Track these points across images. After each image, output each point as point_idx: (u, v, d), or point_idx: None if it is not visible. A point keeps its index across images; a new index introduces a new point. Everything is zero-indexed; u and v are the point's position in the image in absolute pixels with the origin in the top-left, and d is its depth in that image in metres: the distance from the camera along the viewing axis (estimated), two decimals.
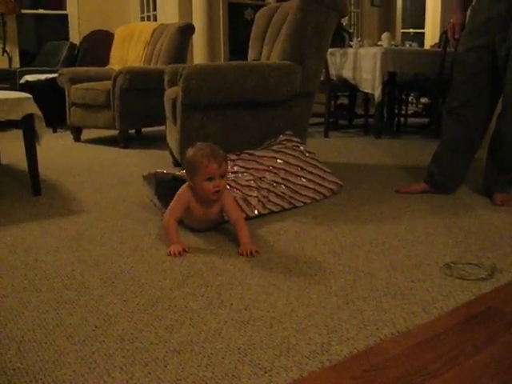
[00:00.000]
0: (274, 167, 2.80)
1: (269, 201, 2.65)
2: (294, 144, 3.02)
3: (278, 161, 2.84)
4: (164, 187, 2.60)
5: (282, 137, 3.08)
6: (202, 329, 1.49)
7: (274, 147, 2.97)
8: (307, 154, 2.98)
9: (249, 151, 2.90)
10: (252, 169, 2.75)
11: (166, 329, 1.49)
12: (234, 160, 2.79)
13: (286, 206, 2.70)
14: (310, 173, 2.90)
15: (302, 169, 2.88)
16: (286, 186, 2.76)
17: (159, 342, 1.42)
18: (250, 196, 2.53)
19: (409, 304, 1.64)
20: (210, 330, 1.48)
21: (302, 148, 3.01)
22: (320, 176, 2.93)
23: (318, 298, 1.68)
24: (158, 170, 2.57)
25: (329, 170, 2.99)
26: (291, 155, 2.91)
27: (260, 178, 2.69)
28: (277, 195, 2.69)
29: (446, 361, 1.33)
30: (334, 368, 1.30)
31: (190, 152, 2.19)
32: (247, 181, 2.60)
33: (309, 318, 1.55)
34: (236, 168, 2.74)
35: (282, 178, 2.78)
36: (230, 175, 2.61)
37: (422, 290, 1.73)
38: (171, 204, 2.22)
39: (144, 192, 2.85)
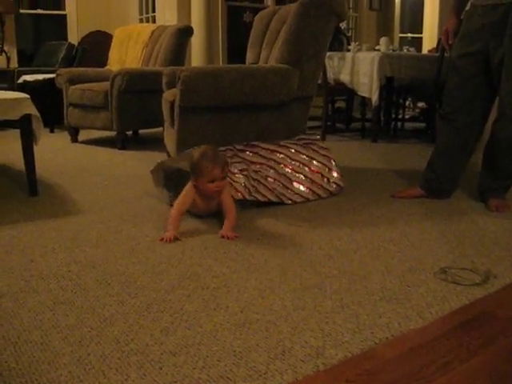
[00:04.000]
0: (273, 160, 2.87)
1: (257, 191, 2.73)
2: (307, 141, 3.07)
3: (279, 155, 2.90)
4: (171, 179, 2.70)
5: (298, 137, 3.15)
6: (197, 331, 1.49)
7: (283, 142, 3.02)
8: (319, 151, 3.01)
9: (255, 142, 2.97)
10: (250, 161, 2.82)
11: (162, 331, 1.50)
12: (239, 150, 2.89)
13: (274, 199, 2.77)
14: (312, 171, 2.93)
15: (304, 165, 2.92)
16: (279, 182, 2.82)
17: (155, 343, 1.43)
18: (237, 182, 2.66)
19: (403, 308, 1.64)
20: (205, 333, 1.49)
21: (315, 144, 3.06)
22: (322, 175, 2.96)
23: (314, 301, 1.69)
24: (164, 160, 2.78)
25: (336, 170, 3.01)
26: (297, 151, 2.96)
27: (254, 171, 2.78)
28: (266, 188, 2.77)
29: (440, 365, 1.34)
30: (329, 372, 1.31)
31: (195, 155, 2.43)
32: (240, 170, 2.72)
33: (304, 321, 1.56)
34: (236, 158, 2.81)
35: (278, 173, 2.83)
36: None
37: (416, 295, 1.74)
38: (179, 198, 2.47)
39: (146, 189, 2.86)
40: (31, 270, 1.94)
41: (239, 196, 2.64)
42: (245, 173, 2.73)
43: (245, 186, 2.69)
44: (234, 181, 2.67)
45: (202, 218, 2.58)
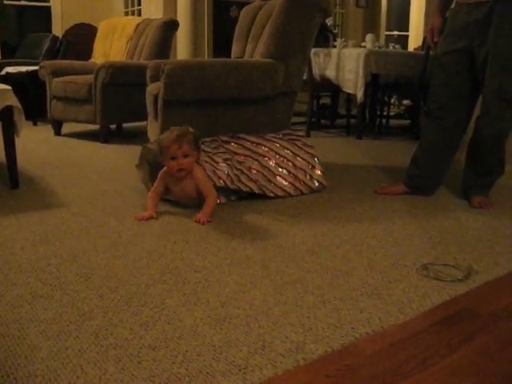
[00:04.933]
0: (257, 153, 2.89)
1: (239, 180, 2.74)
2: (293, 137, 3.08)
3: (263, 148, 2.92)
4: (156, 171, 2.67)
5: (283, 132, 3.16)
6: (177, 326, 1.48)
7: (268, 136, 3.03)
8: (303, 148, 3.02)
9: (241, 135, 2.98)
10: (234, 153, 2.84)
11: (141, 325, 1.48)
12: (224, 141, 2.91)
13: (256, 190, 2.78)
14: (295, 166, 2.93)
15: (288, 160, 2.93)
16: (262, 174, 2.83)
17: (134, 338, 1.41)
18: (220, 170, 2.67)
19: (385, 304, 1.64)
20: (185, 327, 1.47)
21: (300, 140, 3.07)
22: (305, 172, 2.96)
23: (295, 296, 1.68)
24: (146, 145, 2.85)
25: (319, 168, 3.02)
26: (282, 146, 2.97)
27: (238, 161, 2.80)
28: (249, 178, 2.78)
29: (421, 361, 1.34)
30: (309, 366, 1.30)
31: (162, 135, 2.55)
32: (223, 159, 2.74)
33: (285, 316, 1.55)
34: (220, 149, 2.83)
35: (261, 165, 2.85)
36: (211, 152, 2.79)
37: (398, 291, 1.74)
38: (154, 183, 2.58)
39: (129, 182, 2.83)
40: (10, 263, 1.91)
41: (221, 183, 2.65)
42: (228, 162, 2.75)
43: (228, 174, 2.69)
44: (217, 169, 2.67)
45: (185, 209, 2.59)
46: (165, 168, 2.54)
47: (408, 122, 6.16)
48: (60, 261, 1.95)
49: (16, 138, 2.97)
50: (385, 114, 5.91)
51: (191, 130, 2.52)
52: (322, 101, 6.42)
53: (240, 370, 1.27)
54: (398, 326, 1.52)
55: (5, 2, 7.11)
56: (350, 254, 2.08)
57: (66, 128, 5.26)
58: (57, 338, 1.41)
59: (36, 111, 5.65)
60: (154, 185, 2.58)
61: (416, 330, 1.50)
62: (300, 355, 1.34)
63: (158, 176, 2.57)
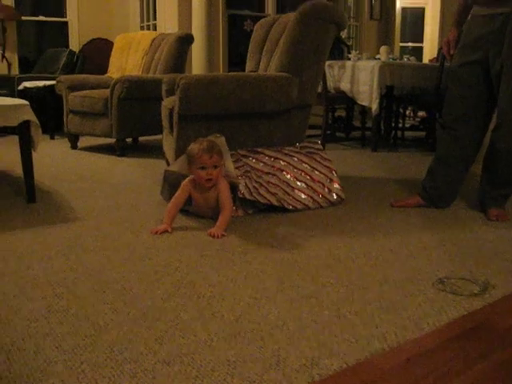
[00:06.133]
0: (275, 167, 2.91)
1: (258, 192, 2.75)
2: (311, 150, 3.11)
3: (281, 162, 2.94)
4: (176, 187, 2.71)
5: (301, 143, 3.20)
6: (191, 340, 1.48)
7: (286, 150, 3.05)
8: (321, 161, 3.04)
9: (259, 149, 3.02)
10: (252, 167, 2.87)
11: (156, 340, 1.48)
12: (242, 155, 2.95)
13: (275, 202, 2.79)
14: (313, 180, 2.94)
15: (306, 174, 2.94)
16: (280, 188, 2.84)
17: (148, 352, 1.41)
18: (238, 183, 2.70)
19: (401, 319, 1.63)
20: (199, 342, 1.47)
21: (318, 154, 3.09)
22: (323, 185, 2.96)
23: (310, 311, 1.68)
24: (166, 170, 2.93)
25: (337, 181, 3.03)
26: (300, 160, 2.99)
27: (257, 175, 2.83)
28: (267, 191, 2.80)
29: (437, 377, 1.32)
30: (324, 382, 1.30)
31: (191, 145, 2.59)
32: (242, 172, 2.79)
33: (300, 331, 1.54)
34: (239, 162, 2.87)
35: (279, 179, 2.87)
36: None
37: (414, 305, 1.73)
38: (176, 192, 2.61)
39: (145, 196, 2.85)
40: (27, 277, 1.93)
41: (240, 194, 2.68)
42: (248, 174, 2.79)
43: (246, 185, 2.72)
44: (236, 182, 2.71)
45: (199, 223, 2.60)
46: (189, 178, 2.61)
47: (423, 133, 6.14)
48: (76, 275, 1.96)
49: (33, 152, 3.00)
50: (400, 125, 5.90)
51: (221, 138, 2.73)
52: (336, 113, 6.42)
53: None
54: (414, 341, 1.51)
55: (23, 17, 7.20)
56: (365, 267, 2.07)
57: (83, 142, 5.31)
58: (72, 352, 1.42)
59: (53, 125, 5.72)
60: (176, 195, 2.60)
61: (432, 345, 1.49)
62: (315, 371, 1.33)
63: (181, 186, 2.61)
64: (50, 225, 2.60)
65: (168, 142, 3.45)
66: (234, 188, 2.66)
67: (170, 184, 2.85)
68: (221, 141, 2.75)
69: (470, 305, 1.74)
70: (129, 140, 5.22)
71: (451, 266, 2.09)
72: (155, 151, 4.78)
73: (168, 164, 3.64)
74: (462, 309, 1.71)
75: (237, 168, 2.81)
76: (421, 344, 1.49)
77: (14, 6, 7.16)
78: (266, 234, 2.49)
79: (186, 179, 2.63)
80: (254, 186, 2.75)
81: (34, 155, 3.02)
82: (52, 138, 5.80)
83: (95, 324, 1.58)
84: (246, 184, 2.72)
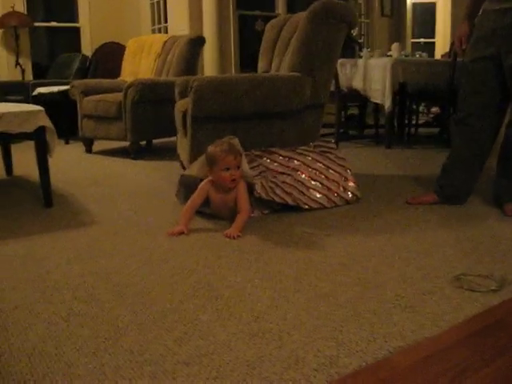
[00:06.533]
0: (290, 167, 2.93)
1: (273, 192, 2.76)
2: (324, 149, 3.12)
3: (296, 162, 2.96)
4: (192, 191, 2.72)
5: (315, 142, 3.21)
6: (210, 341, 1.49)
7: (300, 149, 3.06)
8: (336, 160, 3.05)
9: (273, 149, 3.03)
10: (267, 168, 2.89)
11: (175, 341, 1.50)
12: (256, 155, 2.97)
13: (290, 202, 2.79)
14: (328, 179, 2.95)
15: (320, 173, 2.95)
16: (295, 187, 2.86)
17: (168, 354, 1.43)
18: (255, 183, 2.70)
19: (418, 316, 1.63)
20: (218, 342, 1.49)
21: (332, 153, 3.10)
22: (338, 183, 2.97)
23: (327, 310, 1.68)
24: (182, 175, 2.93)
25: (353, 180, 3.04)
26: (314, 159, 3.00)
27: (272, 175, 2.85)
28: (283, 191, 2.81)
29: (455, 374, 1.33)
30: (343, 381, 1.30)
31: (210, 148, 2.59)
32: (258, 173, 2.82)
33: (317, 330, 1.55)
34: (254, 163, 2.90)
35: (294, 179, 2.88)
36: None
37: (431, 303, 1.73)
38: (193, 195, 2.63)
39: (160, 199, 2.87)
40: (46, 282, 1.95)
41: (256, 194, 2.68)
42: (263, 174, 2.81)
43: (262, 185, 2.72)
44: (252, 182, 2.71)
45: (216, 224, 2.63)
46: (207, 180, 2.62)
47: (437, 130, 6.11)
48: (94, 278, 1.98)
49: (49, 158, 3.04)
50: (413, 122, 5.88)
51: (235, 139, 2.69)
52: (349, 111, 6.41)
53: None
54: (431, 338, 1.51)
55: (35, 24, 7.27)
56: (381, 266, 2.07)
57: (97, 146, 5.35)
58: (93, 354, 1.43)
59: (68, 130, 5.77)
60: (193, 197, 2.62)
61: (450, 342, 1.49)
62: (333, 369, 1.34)
63: (199, 188, 2.63)
64: (68, 229, 2.63)
65: (182, 144, 3.47)
66: (250, 188, 2.67)
67: (186, 186, 2.86)
68: (234, 142, 2.76)
69: (488, 301, 1.73)
70: (143, 143, 5.25)
71: (467, 262, 2.09)
72: (169, 153, 4.81)
73: (183, 166, 3.66)
74: (480, 305, 1.70)
75: (252, 168, 2.82)
76: (438, 341, 1.50)
77: (26, 12, 7.24)
78: (281, 234, 2.50)
79: (204, 181, 2.65)
80: (269, 186, 2.76)
81: (50, 160, 3.05)
82: (67, 142, 5.86)
83: (115, 326, 1.60)
84: (262, 184, 2.72)
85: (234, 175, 2.52)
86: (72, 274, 2.03)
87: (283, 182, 2.83)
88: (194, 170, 2.82)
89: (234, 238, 2.42)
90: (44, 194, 3.04)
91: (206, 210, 2.73)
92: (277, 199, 2.75)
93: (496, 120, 2.81)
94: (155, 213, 2.89)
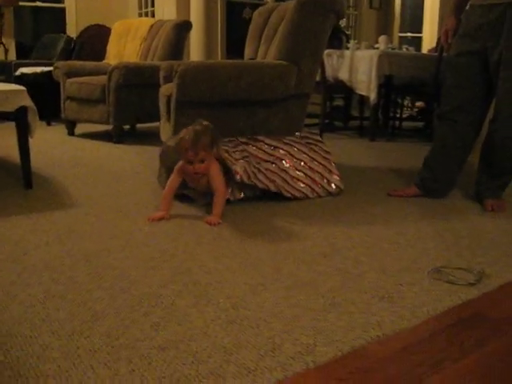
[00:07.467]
0: (274, 156, 2.90)
1: (256, 177, 2.73)
2: (310, 141, 3.10)
3: (281, 151, 2.93)
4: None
5: (301, 133, 3.19)
6: (188, 327, 1.48)
7: (286, 139, 3.03)
8: (321, 153, 3.04)
9: (259, 137, 3.00)
10: (252, 154, 2.85)
11: (152, 326, 1.49)
12: (242, 142, 2.92)
13: (273, 188, 2.78)
14: (312, 169, 2.94)
15: (305, 163, 2.94)
16: (279, 175, 2.84)
17: (145, 338, 1.42)
18: (237, 166, 2.67)
19: (397, 307, 1.63)
20: (195, 328, 1.48)
21: (317, 145, 3.09)
22: (322, 175, 2.96)
23: (306, 299, 1.68)
24: (163, 147, 2.89)
25: (337, 173, 3.03)
26: (299, 150, 2.98)
27: (256, 162, 2.82)
28: (266, 177, 2.79)
29: (432, 365, 1.33)
30: (319, 369, 1.30)
31: (181, 132, 2.48)
32: (242, 157, 2.76)
33: (296, 318, 1.55)
34: (239, 147, 2.86)
35: (278, 167, 2.86)
36: (230, 149, 2.79)
37: (410, 294, 1.73)
38: (170, 177, 2.58)
39: (141, 183, 2.85)
40: (24, 263, 1.93)
41: (238, 178, 2.64)
42: (247, 159, 2.77)
43: (245, 169, 2.68)
44: (234, 164, 2.68)
45: (197, 210, 2.62)
46: (179, 164, 2.54)
47: (421, 123, 6.14)
48: (73, 261, 1.96)
49: (30, 139, 2.99)
50: (398, 115, 5.89)
51: (209, 126, 2.50)
52: (335, 102, 6.41)
53: (250, 372, 1.27)
54: (409, 329, 1.51)
55: (20, 3, 7.15)
56: (361, 256, 2.07)
57: (80, 128, 5.29)
58: (69, 337, 1.42)
59: (50, 112, 5.69)
60: (170, 179, 2.57)
61: (428, 333, 1.50)
62: (310, 358, 1.34)
63: (175, 170, 2.56)
64: (47, 211, 2.59)
65: (165, 129, 3.44)
66: (227, 170, 2.63)
67: (167, 169, 2.83)
68: (207, 128, 2.59)
69: (466, 294, 1.74)
70: (126, 127, 5.20)
71: (448, 255, 2.10)
72: (153, 138, 4.75)
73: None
74: (458, 298, 1.71)
75: (235, 152, 2.79)
76: (417, 332, 1.50)
77: None
78: (263, 222, 2.49)
79: (179, 163, 2.57)
80: (252, 171, 2.73)
81: (31, 141, 3.01)
82: (49, 124, 5.78)
83: (92, 310, 1.58)
84: (245, 168, 2.69)
85: (196, 169, 2.43)
86: (50, 255, 2.00)
87: (267, 170, 2.81)
88: (176, 140, 2.77)
89: (215, 225, 2.40)
90: (24, 175, 3.00)
91: (187, 192, 2.71)
92: (259, 185, 2.73)
93: (479, 115, 2.82)
94: (136, 196, 2.87)
